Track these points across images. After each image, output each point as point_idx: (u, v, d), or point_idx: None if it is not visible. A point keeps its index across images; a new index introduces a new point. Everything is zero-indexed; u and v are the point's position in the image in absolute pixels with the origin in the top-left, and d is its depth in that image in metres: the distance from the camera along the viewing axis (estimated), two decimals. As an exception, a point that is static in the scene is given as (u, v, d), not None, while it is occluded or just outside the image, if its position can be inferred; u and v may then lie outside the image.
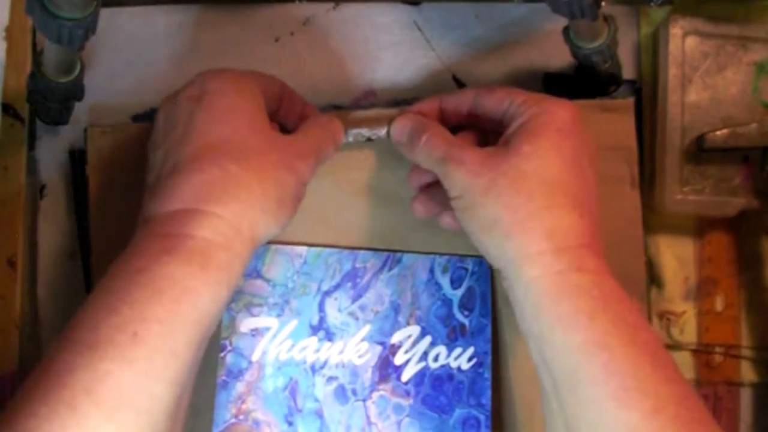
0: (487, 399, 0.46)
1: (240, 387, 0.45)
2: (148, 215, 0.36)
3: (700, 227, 0.53)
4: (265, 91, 0.41)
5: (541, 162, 0.38)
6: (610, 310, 0.36)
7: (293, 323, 0.46)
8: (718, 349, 0.53)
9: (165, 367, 0.32)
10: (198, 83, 0.39)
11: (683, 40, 0.51)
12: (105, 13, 0.42)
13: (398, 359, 0.46)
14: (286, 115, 0.44)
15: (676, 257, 0.53)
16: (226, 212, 0.35)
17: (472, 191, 0.39)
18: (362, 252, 0.47)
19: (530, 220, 0.38)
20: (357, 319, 0.46)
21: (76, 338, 0.31)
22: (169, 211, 0.35)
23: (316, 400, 0.45)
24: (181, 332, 0.32)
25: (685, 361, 0.53)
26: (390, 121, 0.45)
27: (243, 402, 0.45)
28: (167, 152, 0.38)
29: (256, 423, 0.45)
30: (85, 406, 0.30)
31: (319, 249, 0.46)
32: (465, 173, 0.39)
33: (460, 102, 0.44)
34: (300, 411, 0.45)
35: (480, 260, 0.47)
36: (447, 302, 0.47)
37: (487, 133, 0.44)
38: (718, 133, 0.50)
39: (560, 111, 0.40)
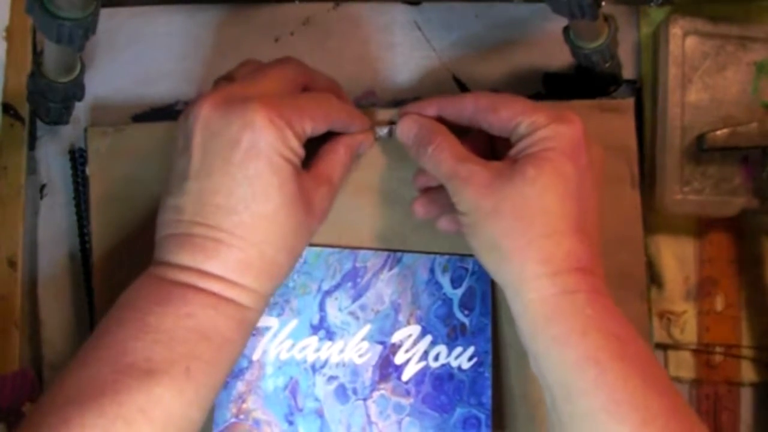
0: (487, 398, 0.46)
1: (240, 386, 0.45)
2: (185, 263, 0.37)
3: (700, 227, 0.53)
4: (298, 109, 0.40)
5: (544, 187, 0.39)
6: (602, 328, 0.37)
7: (294, 323, 0.46)
8: (718, 349, 0.53)
9: (205, 399, 0.37)
10: (240, 118, 0.37)
11: (683, 40, 0.51)
12: (105, 13, 0.42)
13: (399, 359, 0.46)
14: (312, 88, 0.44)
15: (676, 257, 0.53)
16: (260, 288, 0.38)
17: (477, 212, 0.40)
18: (362, 251, 0.47)
19: (529, 246, 0.38)
20: (357, 318, 0.46)
21: (130, 363, 0.35)
22: (208, 272, 0.37)
23: (317, 400, 0.45)
24: (221, 372, 0.38)
25: (685, 360, 0.53)
26: (391, 122, 0.45)
27: (243, 401, 0.45)
28: (206, 203, 0.38)
29: (257, 422, 0.45)
30: (139, 423, 0.34)
31: (319, 248, 0.46)
32: (472, 194, 0.40)
33: (460, 114, 0.43)
34: (300, 410, 0.45)
35: (480, 260, 0.47)
36: (447, 302, 0.47)
37: (494, 137, 0.43)
38: (718, 133, 0.50)
39: (568, 132, 0.39)
